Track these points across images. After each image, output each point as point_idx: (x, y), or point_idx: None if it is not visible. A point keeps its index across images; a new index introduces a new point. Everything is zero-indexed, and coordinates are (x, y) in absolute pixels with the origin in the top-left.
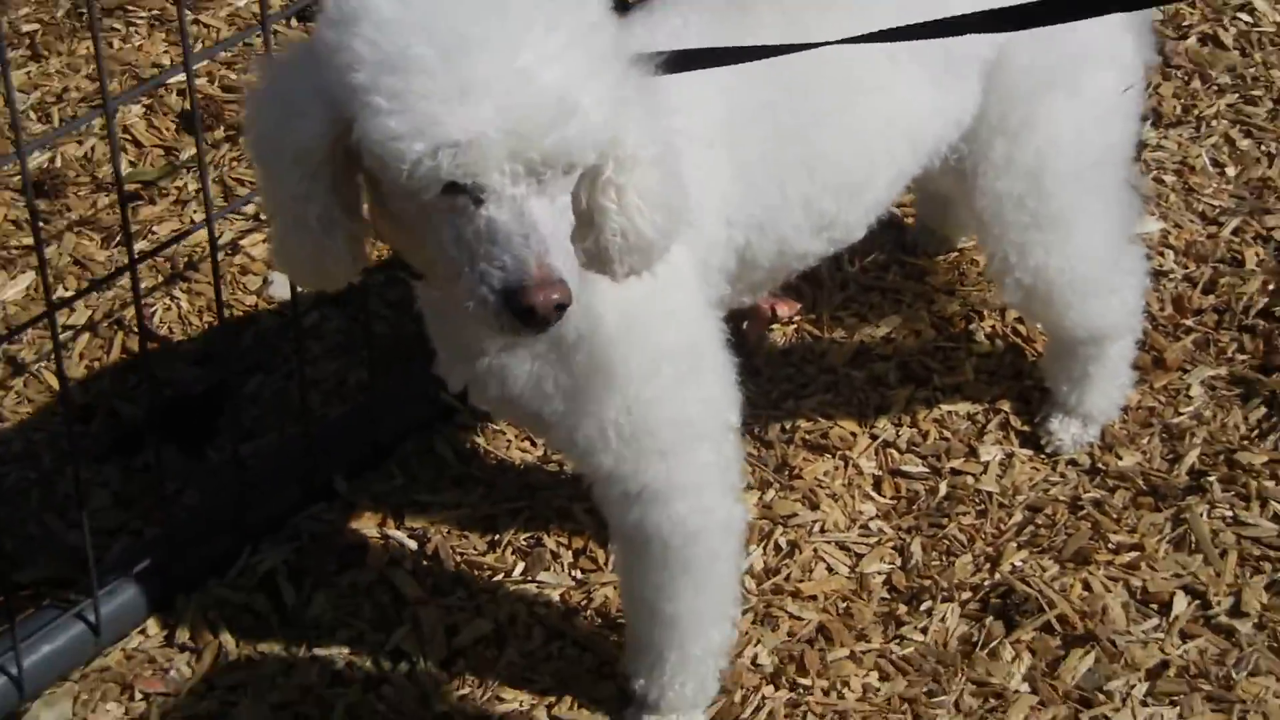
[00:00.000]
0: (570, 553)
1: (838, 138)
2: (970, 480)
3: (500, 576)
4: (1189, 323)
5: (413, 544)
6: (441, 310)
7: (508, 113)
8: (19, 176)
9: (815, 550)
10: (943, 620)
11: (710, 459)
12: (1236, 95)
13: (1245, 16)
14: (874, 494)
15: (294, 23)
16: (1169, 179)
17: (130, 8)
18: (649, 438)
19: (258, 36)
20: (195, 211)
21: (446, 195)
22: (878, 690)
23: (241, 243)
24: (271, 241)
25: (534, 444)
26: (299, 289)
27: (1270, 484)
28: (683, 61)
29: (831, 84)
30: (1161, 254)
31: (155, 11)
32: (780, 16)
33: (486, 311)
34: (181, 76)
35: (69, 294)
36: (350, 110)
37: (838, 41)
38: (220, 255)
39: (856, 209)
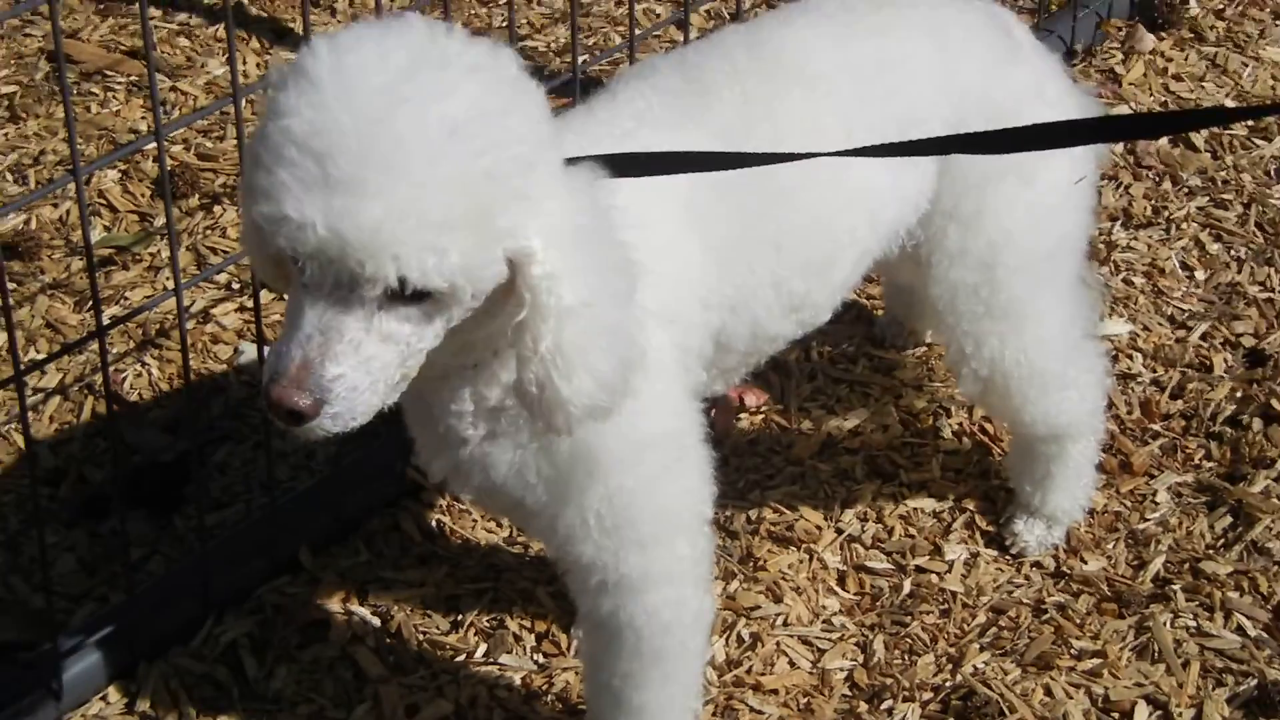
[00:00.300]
0: (533, 636)
1: (801, 215)
2: (934, 579)
3: (462, 657)
4: (1156, 427)
5: (376, 621)
6: (422, 400)
7: (339, 217)
8: None
9: (778, 644)
10: None
11: (686, 551)
12: (1206, 198)
13: None
14: (838, 589)
15: (269, 92)
16: (1138, 281)
17: (109, 73)
18: (630, 528)
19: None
20: (169, 278)
21: (295, 264)
22: None
23: (213, 311)
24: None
25: (500, 524)
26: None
27: (1234, 595)
28: (629, 165)
29: (792, 164)
30: (1130, 357)
31: (134, 77)
32: (739, 96)
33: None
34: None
35: (40, 356)
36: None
37: (803, 156)
38: (192, 323)
39: (824, 288)
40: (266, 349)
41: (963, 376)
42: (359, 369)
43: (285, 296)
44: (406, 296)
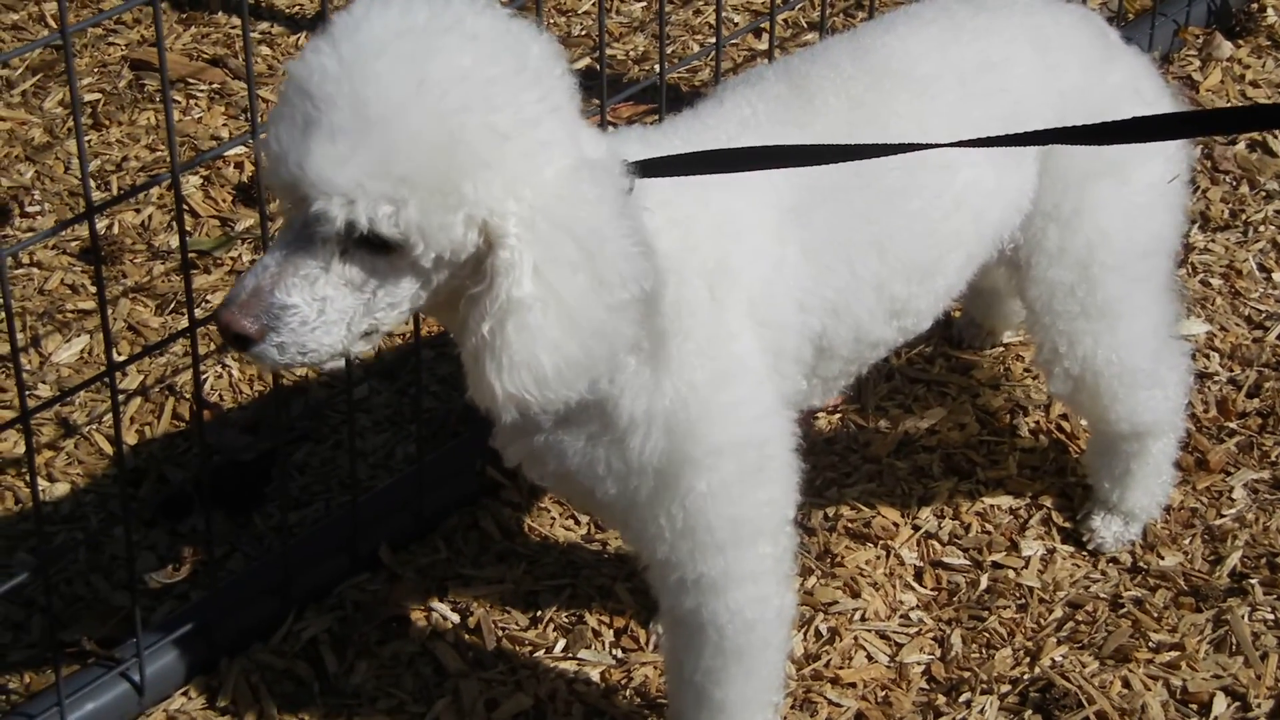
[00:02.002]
0: (612, 631)
1: (906, 218)
2: (1011, 574)
3: (541, 652)
4: (1233, 425)
5: (455, 617)
6: None
7: (303, 154)
8: (76, 242)
9: (855, 638)
10: (981, 712)
11: (769, 550)
12: None
13: None
14: (915, 584)
15: None
16: (1215, 282)
17: (191, 81)
18: (705, 532)
19: None
20: None
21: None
22: None
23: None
24: None
25: (578, 521)
26: (353, 361)
27: None
28: (664, 167)
29: (899, 164)
30: (1207, 356)
31: (216, 85)
32: (844, 101)
33: None
34: (239, 149)
35: (122, 358)
36: None
37: (873, 148)
38: None
39: (928, 294)
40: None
41: (1054, 376)
42: (311, 305)
43: None
44: (371, 245)
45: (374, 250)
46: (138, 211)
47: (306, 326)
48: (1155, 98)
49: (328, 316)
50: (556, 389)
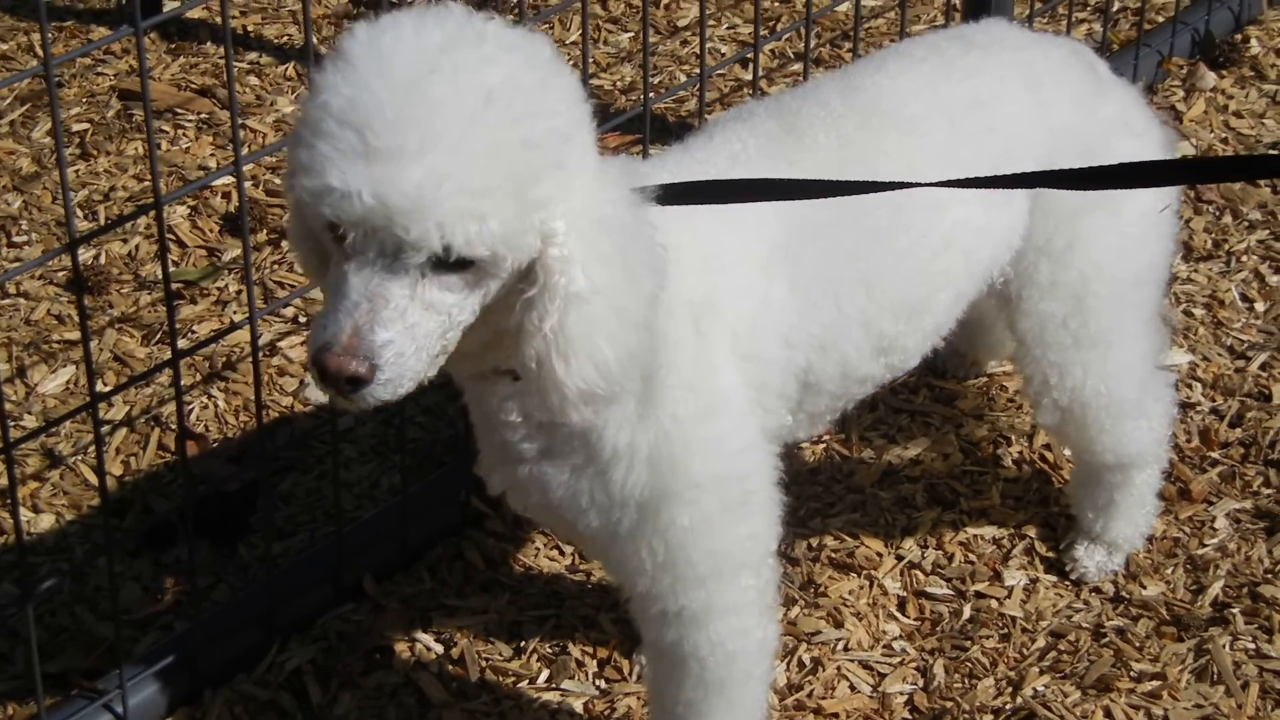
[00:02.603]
0: (595, 662)
1: (895, 256)
2: (994, 604)
3: (525, 683)
4: (1215, 455)
5: (439, 648)
6: (484, 413)
7: (381, 184)
8: (63, 272)
9: (838, 668)
10: None
11: (751, 583)
12: (1266, 231)
13: (1277, 153)
14: (898, 614)
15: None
16: (1198, 312)
17: (179, 111)
18: (686, 566)
19: None
20: (235, 312)
21: (337, 241)
22: None
23: (280, 344)
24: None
25: (562, 552)
26: None
27: None
28: (682, 195)
29: (888, 202)
30: (1189, 386)
31: (203, 115)
32: (834, 140)
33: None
34: (227, 179)
35: (107, 389)
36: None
37: (896, 186)
38: (259, 356)
39: (916, 332)
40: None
41: (1042, 407)
42: (405, 335)
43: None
44: (450, 264)
45: (451, 269)
46: (125, 241)
47: (403, 359)
48: (1145, 129)
49: (418, 344)
50: (619, 380)
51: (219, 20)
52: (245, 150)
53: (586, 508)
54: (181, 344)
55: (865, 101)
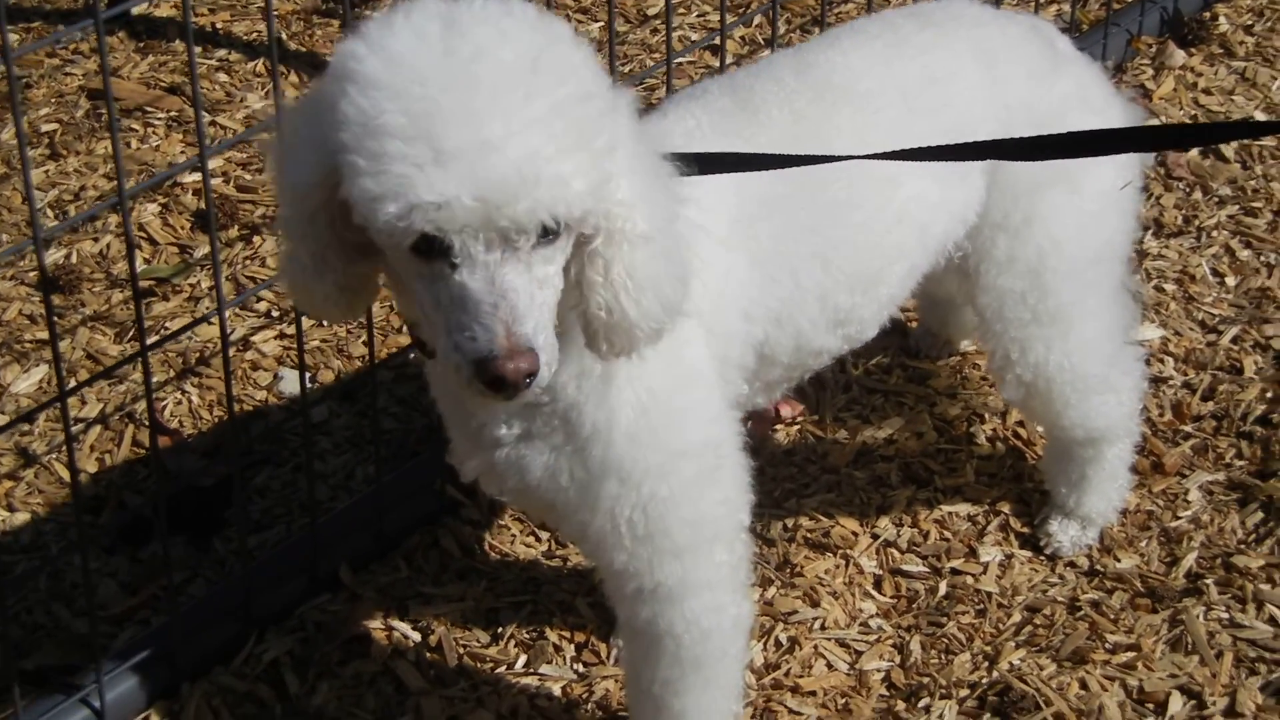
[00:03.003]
0: (573, 646)
1: (850, 230)
2: (970, 580)
3: (503, 669)
4: (1188, 428)
5: (416, 636)
6: (456, 398)
7: (476, 181)
8: (35, 272)
9: (815, 647)
10: (940, 717)
11: (725, 558)
12: (1237, 207)
13: None
14: (874, 592)
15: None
16: (1170, 288)
17: (149, 109)
18: (664, 537)
19: (270, 135)
20: (208, 308)
21: (425, 259)
22: None
23: (253, 339)
24: (279, 262)
25: (538, 538)
26: (308, 385)
27: (1266, 587)
28: (708, 164)
29: (843, 176)
30: (1161, 361)
31: (173, 113)
32: (789, 115)
33: (460, 378)
34: (197, 176)
35: (78, 385)
36: (339, 164)
37: (864, 156)
38: (232, 351)
39: (870, 304)
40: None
41: (1006, 382)
42: (541, 317)
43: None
44: (546, 237)
45: (547, 242)
46: (96, 240)
47: (549, 339)
48: (1104, 105)
49: (548, 320)
50: (674, 314)
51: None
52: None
53: (566, 485)
54: (153, 340)
55: (818, 77)
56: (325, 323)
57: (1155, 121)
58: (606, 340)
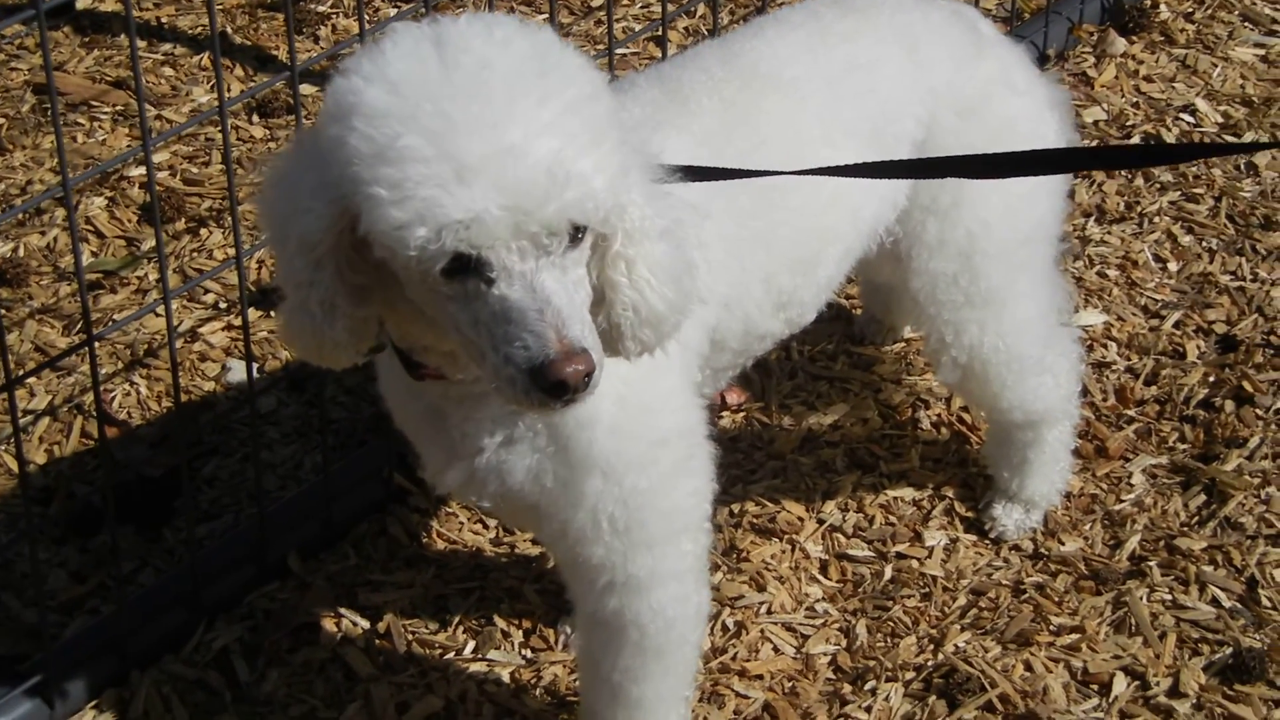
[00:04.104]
0: (520, 632)
1: (789, 214)
2: (915, 564)
3: (451, 655)
4: (1131, 413)
5: (365, 623)
6: (436, 410)
7: (504, 190)
8: None
9: (762, 631)
10: (886, 700)
11: (690, 548)
12: (1178, 193)
13: (1187, 117)
14: (820, 577)
15: (254, 117)
16: (1112, 273)
17: (95, 104)
18: (640, 530)
19: (216, 128)
20: (155, 299)
21: (458, 281)
22: None
23: (200, 330)
24: (280, 318)
25: (486, 526)
26: (254, 375)
27: (1209, 569)
28: (692, 175)
29: (776, 163)
30: (1105, 346)
31: (119, 108)
32: (718, 103)
33: (516, 391)
34: (143, 170)
35: (31, 382)
36: (354, 203)
37: (825, 172)
38: (179, 343)
39: (810, 285)
40: (255, 365)
41: (942, 365)
42: (583, 318)
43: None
44: (574, 238)
45: (574, 244)
46: (43, 234)
47: (595, 340)
48: (1028, 88)
49: (590, 326)
50: (692, 300)
51: (133, 12)
52: (161, 141)
53: (550, 486)
54: (98, 330)
55: (744, 65)
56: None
57: (1096, 109)
58: (636, 339)
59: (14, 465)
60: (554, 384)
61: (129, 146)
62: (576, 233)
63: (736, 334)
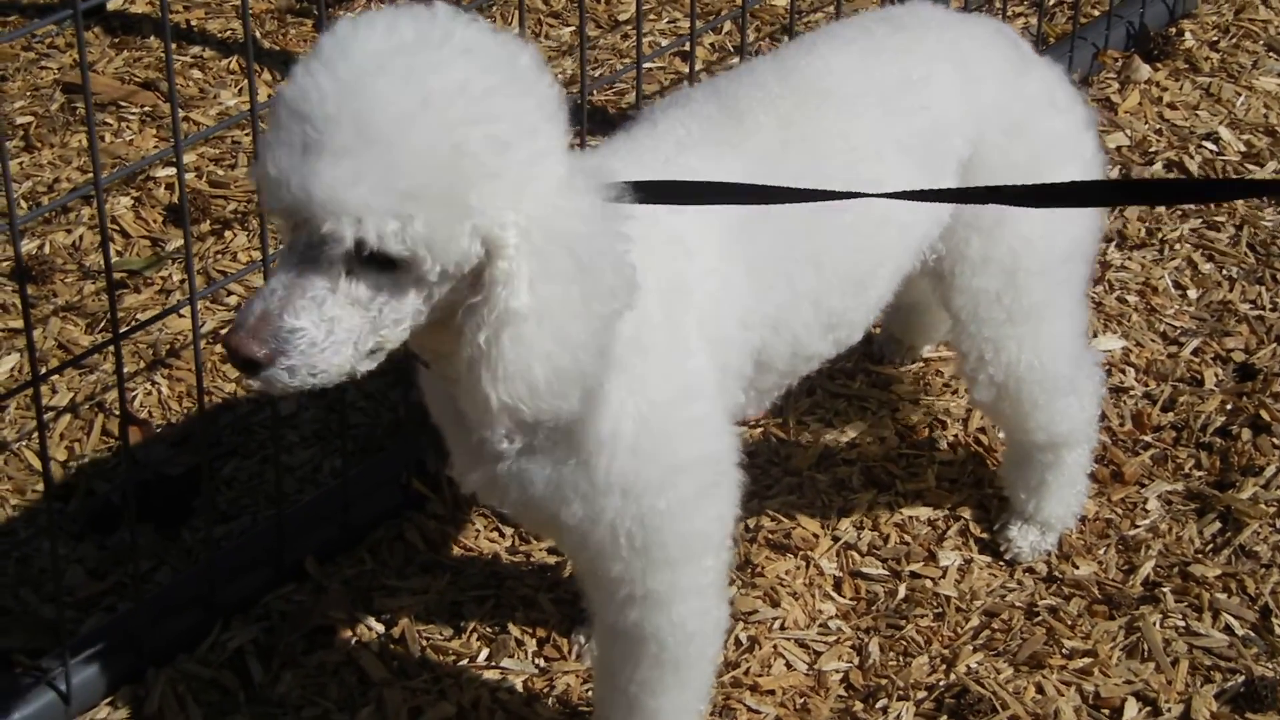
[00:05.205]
0: (534, 640)
1: (841, 233)
2: (929, 584)
3: (465, 661)
4: (1148, 438)
5: (380, 627)
6: (455, 412)
7: (304, 179)
8: (7, 262)
9: (775, 646)
10: (898, 718)
11: (711, 564)
12: (1199, 220)
13: (1210, 145)
14: (834, 594)
15: None
16: (1132, 299)
17: (123, 104)
18: (659, 549)
19: (242, 131)
20: (179, 301)
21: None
22: None
23: (223, 332)
24: None
25: (502, 534)
26: None
27: (1222, 596)
28: (657, 194)
29: (832, 181)
30: (1123, 371)
31: (147, 108)
32: (774, 121)
33: None
34: (170, 171)
35: (55, 379)
36: None
37: (843, 195)
38: (201, 343)
39: (861, 306)
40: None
41: (978, 383)
42: (320, 326)
43: None
44: (377, 263)
45: (380, 268)
46: (69, 232)
47: (316, 348)
48: (1069, 106)
49: (336, 337)
50: (548, 400)
51: (162, 14)
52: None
53: (571, 499)
54: (123, 329)
55: (801, 82)
56: None
57: (1119, 135)
58: (464, 396)
59: (35, 461)
60: (227, 349)
61: (156, 147)
62: (376, 258)
63: (784, 355)
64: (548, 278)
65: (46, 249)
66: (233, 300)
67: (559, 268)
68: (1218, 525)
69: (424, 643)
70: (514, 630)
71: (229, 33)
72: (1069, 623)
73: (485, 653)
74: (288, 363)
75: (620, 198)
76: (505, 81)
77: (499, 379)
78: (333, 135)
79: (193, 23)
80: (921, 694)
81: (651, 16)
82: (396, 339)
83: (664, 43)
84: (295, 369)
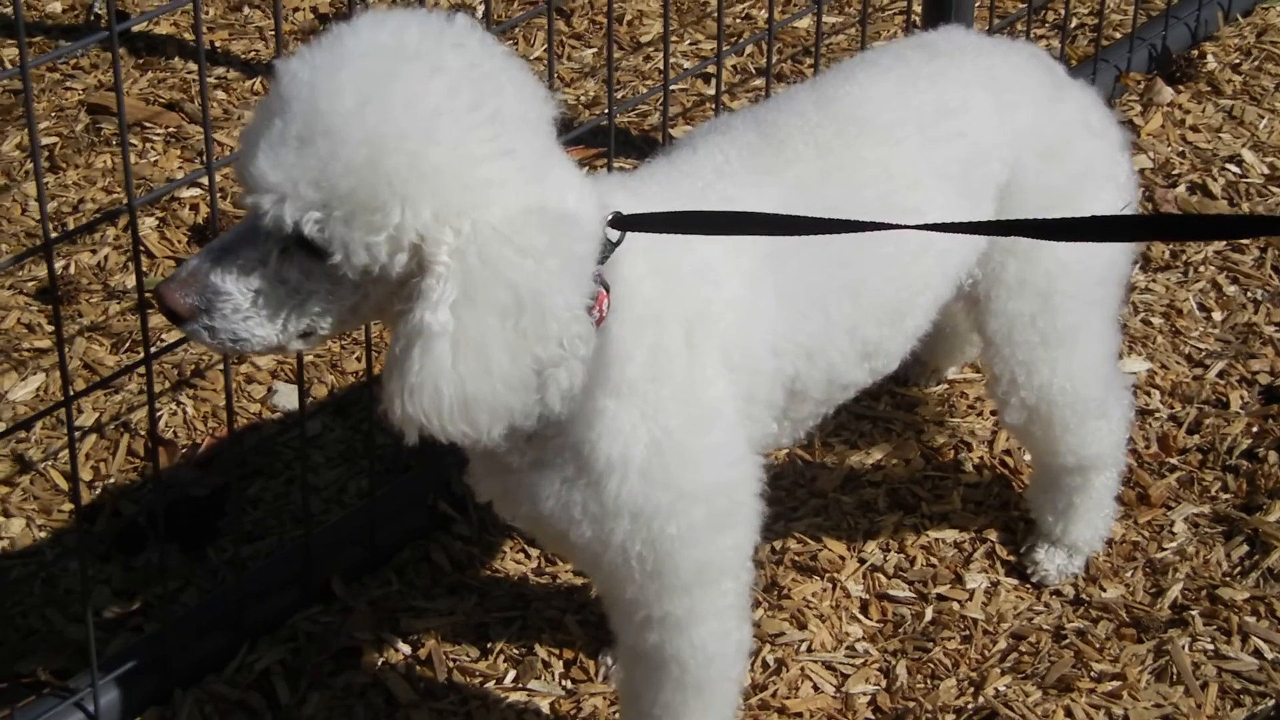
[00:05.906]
0: (561, 662)
1: (879, 262)
2: (956, 606)
3: (492, 683)
4: (1174, 461)
5: (407, 648)
6: None
7: (252, 162)
8: (33, 282)
9: (802, 669)
10: None
11: (731, 587)
12: (1224, 243)
13: (1233, 167)
14: (861, 616)
15: None
16: (1157, 321)
17: (148, 125)
18: (672, 575)
19: None
20: None
21: None
22: None
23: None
24: None
25: (528, 555)
26: (306, 399)
27: (1251, 619)
28: (637, 223)
29: (869, 209)
30: (1148, 394)
31: (171, 129)
32: (813, 149)
33: None
34: (194, 191)
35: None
36: None
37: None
38: (229, 362)
39: (898, 335)
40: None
41: (1009, 406)
42: (245, 295)
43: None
44: (309, 249)
45: (311, 254)
46: (94, 252)
47: (239, 314)
48: (1104, 130)
49: (260, 309)
50: (453, 423)
51: (186, 36)
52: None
53: (579, 518)
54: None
55: (840, 110)
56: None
57: (1143, 158)
58: (383, 395)
59: (61, 482)
60: (156, 297)
61: (180, 168)
62: (308, 244)
63: (819, 384)
64: (475, 304)
65: (72, 269)
66: None
67: (492, 297)
68: (1245, 548)
69: (451, 664)
70: (541, 652)
71: (253, 54)
72: (1097, 646)
73: (512, 674)
74: (209, 323)
75: (618, 228)
76: (464, 107)
77: (404, 389)
78: (287, 119)
79: (217, 44)
80: (950, 717)
81: (674, 39)
82: (331, 327)
83: (685, 63)
84: (216, 330)
